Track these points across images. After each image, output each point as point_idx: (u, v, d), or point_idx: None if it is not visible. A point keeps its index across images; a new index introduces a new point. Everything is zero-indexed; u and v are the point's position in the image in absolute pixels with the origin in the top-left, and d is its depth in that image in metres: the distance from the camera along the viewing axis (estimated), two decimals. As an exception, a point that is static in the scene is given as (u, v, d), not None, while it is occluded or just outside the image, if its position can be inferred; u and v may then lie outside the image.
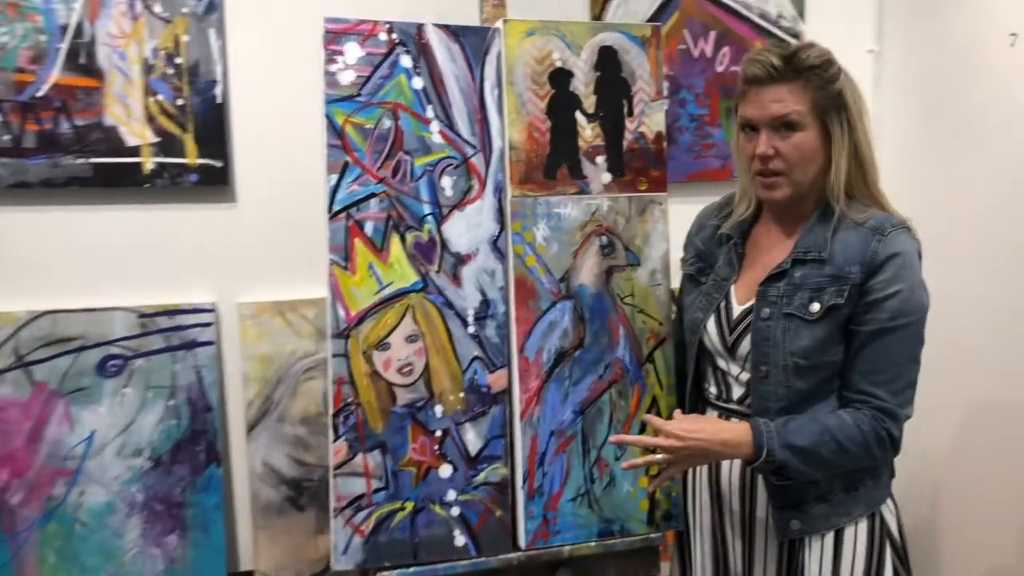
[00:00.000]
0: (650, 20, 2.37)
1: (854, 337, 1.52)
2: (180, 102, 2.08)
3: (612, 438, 1.67)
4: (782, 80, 1.51)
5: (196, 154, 2.10)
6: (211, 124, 2.10)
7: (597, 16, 2.34)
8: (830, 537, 1.57)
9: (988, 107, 2.22)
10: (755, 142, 1.54)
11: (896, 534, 1.62)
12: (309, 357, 2.20)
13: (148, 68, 2.06)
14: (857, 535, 1.57)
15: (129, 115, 2.05)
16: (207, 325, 2.13)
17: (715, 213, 1.74)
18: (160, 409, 2.10)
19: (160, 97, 2.07)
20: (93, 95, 2.02)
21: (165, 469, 2.11)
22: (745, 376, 1.61)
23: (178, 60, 2.07)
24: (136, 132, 2.06)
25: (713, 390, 1.68)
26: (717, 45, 2.45)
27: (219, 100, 2.10)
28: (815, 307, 1.51)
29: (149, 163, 2.07)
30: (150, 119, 2.07)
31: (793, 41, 2.49)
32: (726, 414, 1.64)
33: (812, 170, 1.54)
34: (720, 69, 2.45)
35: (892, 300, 1.49)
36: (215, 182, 2.12)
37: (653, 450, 1.53)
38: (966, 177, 2.28)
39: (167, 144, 2.08)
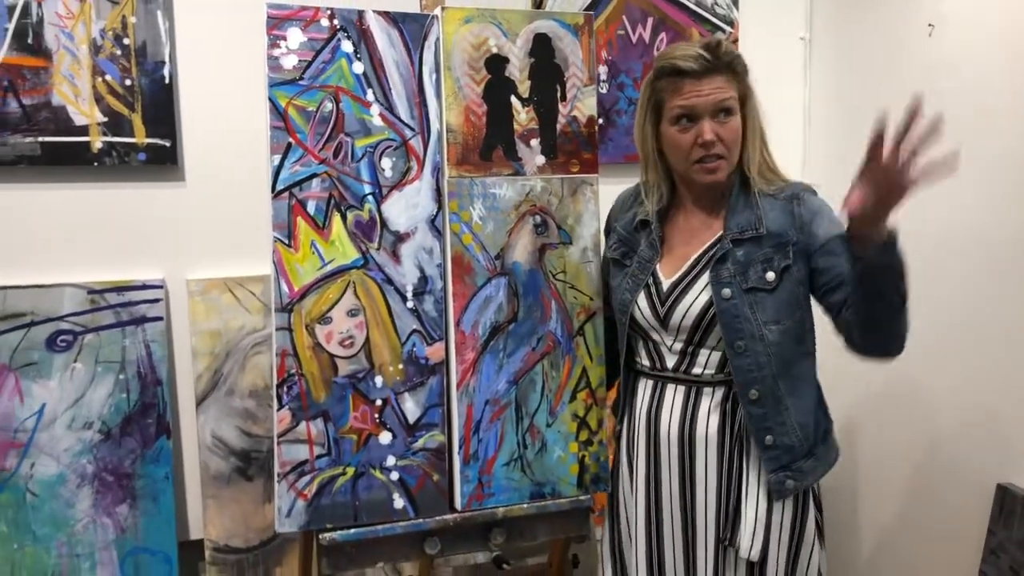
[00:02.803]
0: (589, 7, 2.46)
1: (823, 274, 1.63)
2: (128, 82, 2.12)
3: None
4: (715, 71, 1.63)
5: (144, 134, 2.14)
6: (159, 104, 2.15)
7: (539, 2, 2.42)
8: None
9: (908, 94, 2.34)
10: (693, 131, 1.64)
11: (818, 488, 1.76)
12: (257, 332, 2.27)
13: (96, 48, 2.10)
14: None
15: (77, 95, 2.09)
16: (156, 301, 2.19)
17: (631, 201, 1.84)
18: (110, 383, 2.16)
19: (108, 77, 2.11)
20: (41, 75, 2.06)
21: (115, 441, 2.16)
22: (678, 346, 1.72)
23: (126, 41, 2.11)
24: (84, 112, 2.10)
25: (646, 362, 1.78)
26: (655, 31, 2.54)
27: (167, 80, 2.15)
28: (771, 276, 1.65)
29: (97, 142, 2.11)
30: (98, 99, 2.11)
31: (728, 28, 2.59)
32: (662, 382, 1.75)
33: (738, 151, 1.68)
34: (657, 54, 2.54)
35: (838, 239, 1.61)
36: (163, 161, 2.17)
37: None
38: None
39: (115, 124, 2.12)
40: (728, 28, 2.60)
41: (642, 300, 1.74)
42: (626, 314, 1.76)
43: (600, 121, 2.49)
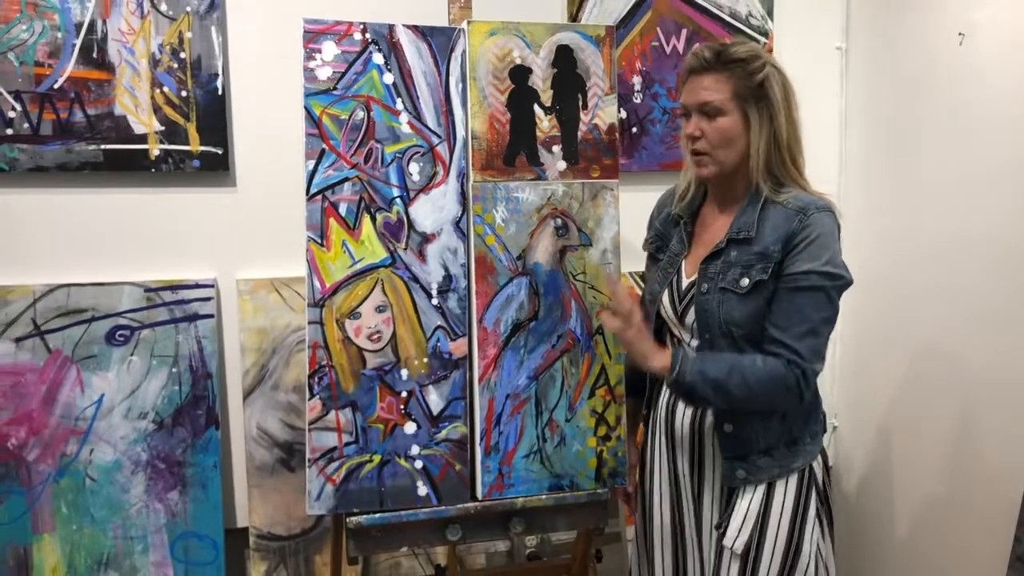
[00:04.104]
0: (624, 19, 2.53)
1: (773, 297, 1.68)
2: (184, 94, 2.26)
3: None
4: (711, 70, 1.69)
5: (198, 142, 2.27)
6: (212, 114, 2.28)
7: (574, 15, 2.50)
8: (764, 483, 1.74)
9: (940, 102, 2.36)
10: (688, 124, 1.72)
11: (821, 484, 1.80)
12: (301, 330, 2.37)
13: (155, 62, 2.24)
14: (788, 484, 1.75)
15: (137, 105, 2.23)
16: (208, 299, 2.31)
17: (671, 197, 1.90)
18: (164, 376, 2.28)
19: (165, 89, 2.25)
20: (104, 87, 2.21)
21: (168, 431, 2.29)
22: (695, 343, 1.78)
23: (182, 55, 2.25)
24: (143, 121, 2.24)
25: None
26: (689, 42, 2.60)
27: (220, 92, 2.28)
28: (744, 282, 1.68)
29: (155, 150, 2.25)
30: (156, 109, 2.24)
31: (762, 39, 2.64)
32: None
33: (734, 151, 1.70)
34: (694, 58, 2.60)
35: (801, 276, 1.65)
36: (216, 168, 2.29)
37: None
38: (925, 166, 2.42)
39: (172, 132, 2.26)
40: (763, 39, 2.64)
41: (665, 296, 1.81)
42: (654, 306, 1.84)
43: (634, 130, 2.56)
